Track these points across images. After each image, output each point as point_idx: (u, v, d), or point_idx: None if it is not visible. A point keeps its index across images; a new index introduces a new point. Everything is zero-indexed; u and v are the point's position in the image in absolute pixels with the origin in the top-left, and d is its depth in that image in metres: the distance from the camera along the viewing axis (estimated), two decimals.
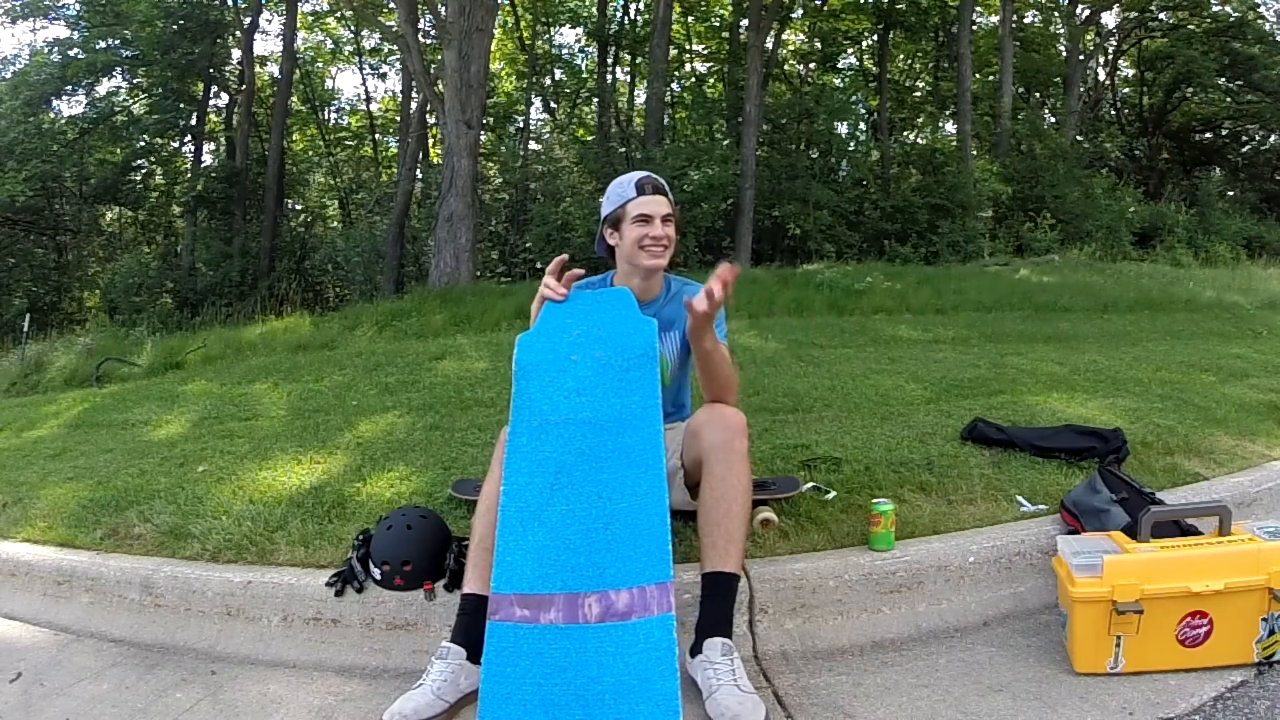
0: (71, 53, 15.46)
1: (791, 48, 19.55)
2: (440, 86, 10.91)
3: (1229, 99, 19.56)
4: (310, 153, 21.41)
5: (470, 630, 1.78)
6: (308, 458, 3.21)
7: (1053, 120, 18.10)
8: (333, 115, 22.13)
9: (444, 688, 1.73)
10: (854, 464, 2.69)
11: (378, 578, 2.09)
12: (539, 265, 12.99)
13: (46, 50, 15.67)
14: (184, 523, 2.59)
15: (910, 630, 2.05)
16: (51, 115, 15.91)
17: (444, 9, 10.19)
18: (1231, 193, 18.73)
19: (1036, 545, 2.18)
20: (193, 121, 17.52)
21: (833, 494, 2.44)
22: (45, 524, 2.83)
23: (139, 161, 17.64)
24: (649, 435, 1.68)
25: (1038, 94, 20.02)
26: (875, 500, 2.18)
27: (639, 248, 2.11)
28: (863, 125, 17.97)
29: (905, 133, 19.95)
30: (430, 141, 17.77)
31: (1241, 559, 1.77)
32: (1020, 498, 2.43)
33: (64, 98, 16.08)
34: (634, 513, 1.55)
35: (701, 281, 2.30)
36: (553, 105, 19.84)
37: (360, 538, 2.21)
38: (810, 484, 2.50)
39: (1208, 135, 21.04)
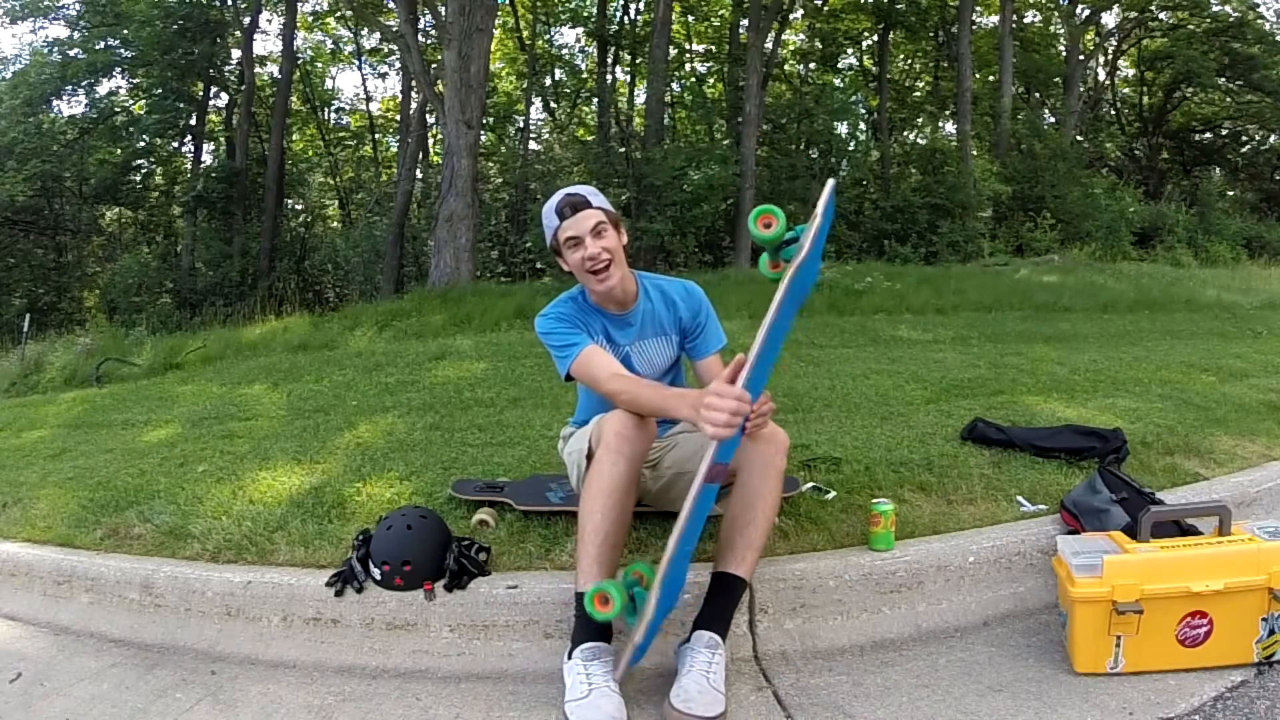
0: (71, 53, 15.46)
1: (791, 48, 19.55)
2: (440, 86, 10.91)
3: (1229, 99, 19.57)
4: (310, 153, 21.40)
5: (602, 628, 1.79)
6: (308, 458, 3.21)
7: (1053, 120, 18.11)
8: (333, 115, 22.13)
9: (614, 680, 1.73)
10: (854, 464, 2.70)
11: (378, 578, 2.09)
12: (539, 265, 13.00)
13: (46, 50, 15.66)
14: (184, 523, 2.59)
15: (910, 630, 2.05)
16: (51, 115, 15.92)
17: (444, 9, 10.19)
18: (1231, 193, 18.73)
19: (1036, 545, 2.18)
20: (192, 121, 17.51)
21: (833, 494, 2.44)
22: (45, 524, 2.82)
23: (139, 161, 17.63)
24: None
25: (1038, 94, 20.02)
26: (875, 500, 2.17)
27: (584, 272, 2.04)
28: (863, 125, 18.00)
29: (905, 133, 19.96)
30: (430, 141, 17.77)
31: (1241, 559, 1.77)
32: (1020, 498, 2.43)
33: (64, 97, 16.10)
34: None
35: (687, 278, 2.30)
36: (553, 105, 19.84)
37: (360, 538, 2.21)
38: (810, 484, 2.50)
39: (1208, 135, 21.05)
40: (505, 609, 2.02)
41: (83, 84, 15.83)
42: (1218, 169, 20.06)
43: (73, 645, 2.30)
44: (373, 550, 2.12)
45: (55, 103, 15.97)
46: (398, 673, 2.01)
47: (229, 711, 1.90)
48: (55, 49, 15.55)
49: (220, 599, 2.23)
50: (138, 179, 17.92)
